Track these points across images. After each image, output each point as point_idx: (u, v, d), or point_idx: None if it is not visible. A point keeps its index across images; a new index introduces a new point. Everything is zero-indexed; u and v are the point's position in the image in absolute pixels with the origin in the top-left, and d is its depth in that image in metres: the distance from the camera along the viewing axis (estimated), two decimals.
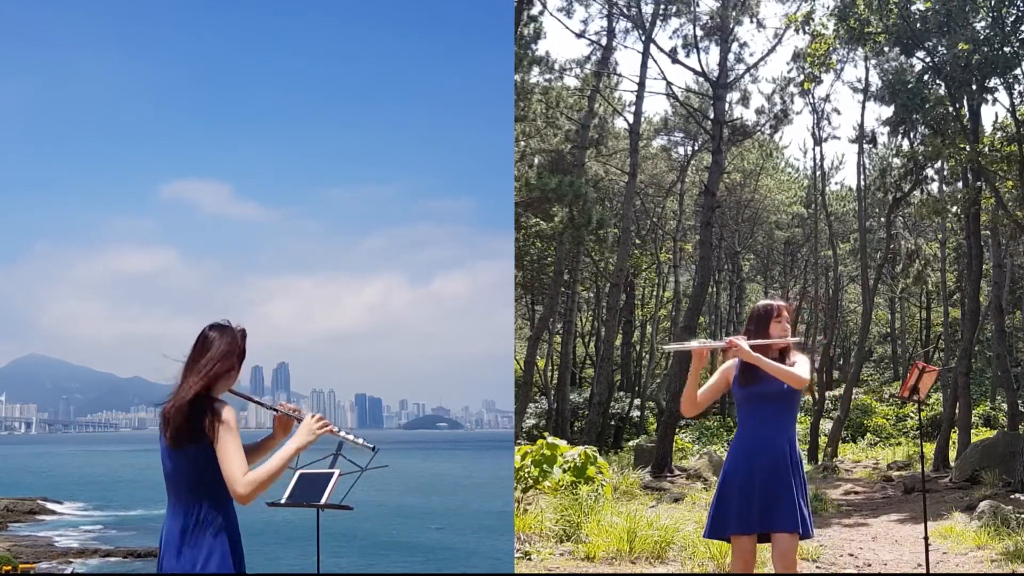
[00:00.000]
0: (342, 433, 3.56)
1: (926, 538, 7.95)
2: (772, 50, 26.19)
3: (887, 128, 25.41)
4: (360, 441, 3.63)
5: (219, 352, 3.45)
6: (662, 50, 26.08)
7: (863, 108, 38.45)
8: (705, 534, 4.79)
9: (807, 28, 21.20)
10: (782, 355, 4.71)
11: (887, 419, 33.30)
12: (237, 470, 3.26)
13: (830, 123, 73.48)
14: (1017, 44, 18.22)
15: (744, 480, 4.58)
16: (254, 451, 3.59)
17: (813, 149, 70.29)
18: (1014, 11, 18.26)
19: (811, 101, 31.81)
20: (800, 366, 4.63)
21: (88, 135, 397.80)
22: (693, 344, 4.67)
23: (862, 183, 31.80)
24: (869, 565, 9.30)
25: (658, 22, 25.22)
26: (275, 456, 3.35)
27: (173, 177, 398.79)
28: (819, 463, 24.67)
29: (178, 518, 3.38)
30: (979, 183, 20.25)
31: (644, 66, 25.21)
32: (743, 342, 4.59)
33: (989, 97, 19.37)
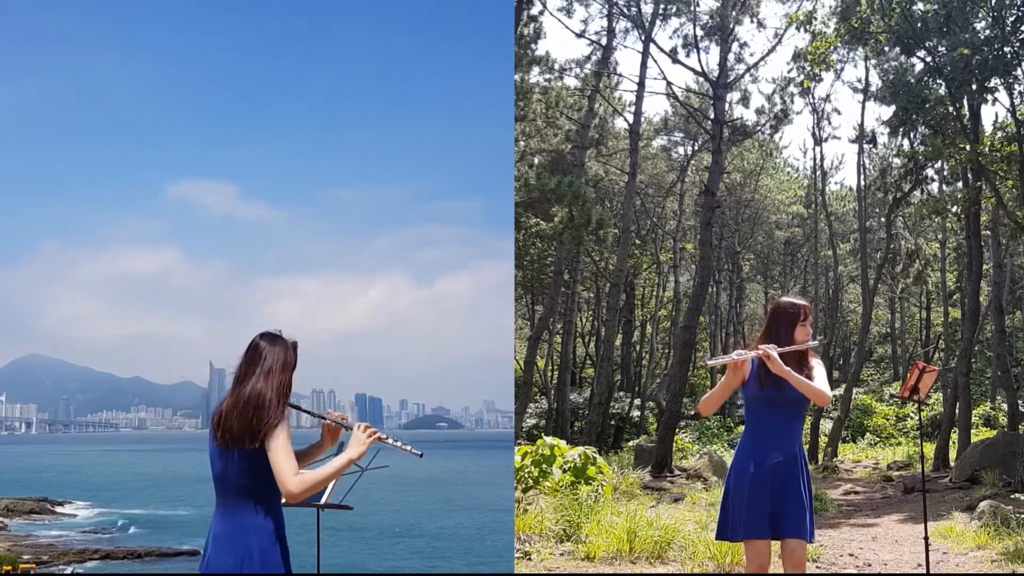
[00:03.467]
0: (390, 440, 3.64)
1: (926, 538, 7.95)
2: (772, 50, 26.22)
3: (887, 128, 25.41)
4: (408, 448, 3.68)
5: (281, 364, 3.54)
6: (662, 50, 26.14)
7: (863, 108, 38.62)
8: (716, 536, 4.77)
9: (808, 28, 21.20)
10: (800, 358, 4.67)
11: (887, 419, 33.31)
12: (289, 468, 3.37)
13: (830, 123, 73.70)
14: (1017, 45, 18.22)
15: (753, 483, 4.55)
16: (302, 457, 3.65)
17: (813, 149, 70.51)
18: (1014, 12, 18.26)
19: (811, 101, 31.88)
20: (820, 379, 4.62)
21: (94, 135, 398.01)
22: (732, 356, 4.63)
23: (862, 183, 31.83)
24: (869, 565, 9.29)
25: (658, 22, 25.22)
26: (330, 463, 3.49)
27: (179, 177, 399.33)
28: (819, 463, 24.67)
29: (227, 519, 3.45)
30: (979, 183, 20.24)
31: (644, 66, 25.22)
32: (775, 352, 4.54)
33: (989, 97, 19.36)
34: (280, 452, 3.39)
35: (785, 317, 4.69)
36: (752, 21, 24.95)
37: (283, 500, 3.50)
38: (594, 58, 26.45)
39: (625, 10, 25.63)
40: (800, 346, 4.64)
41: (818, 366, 4.67)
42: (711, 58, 48.54)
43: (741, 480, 4.59)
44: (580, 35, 25.98)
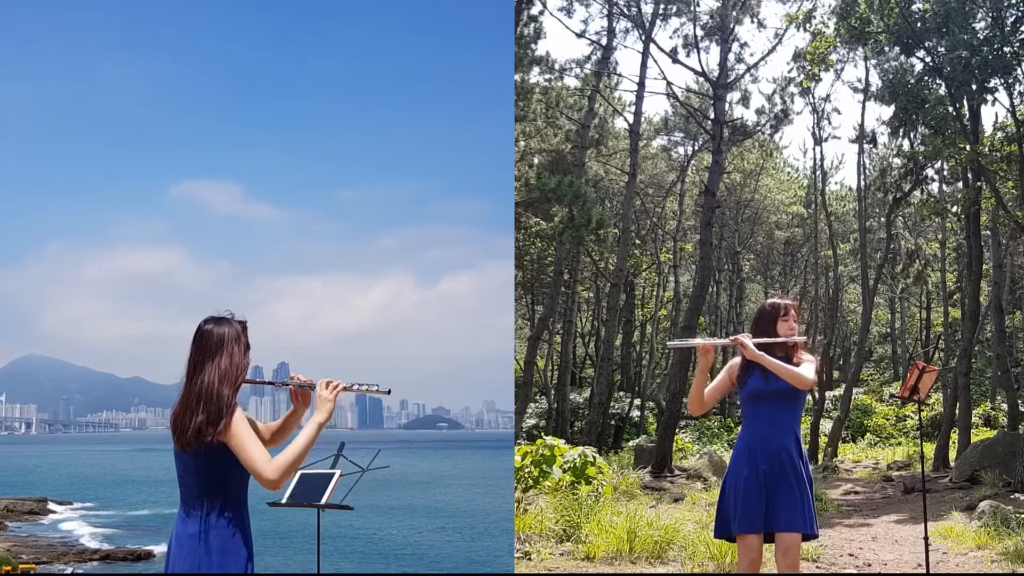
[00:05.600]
0: (355, 387, 3.45)
1: (926, 538, 7.95)
2: (772, 50, 26.15)
3: (887, 128, 25.42)
4: (375, 388, 3.49)
5: (232, 349, 3.35)
6: (662, 50, 26.11)
7: (863, 108, 38.47)
8: (715, 534, 4.79)
9: (808, 27, 21.21)
10: (788, 355, 4.68)
11: (887, 419, 33.29)
12: (260, 458, 3.20)
13: (830, 123, 73.87)
14: (1017, 44, 18.23)
15: (748, 478, 4.56)
16: (278, 431, 3.56)
17: (813, 149, 70.38)
18: (1014, 12, 18.27)
19: (811, 101, 31.78)
20: (805, 367, 4.63)
21: (99, 135, 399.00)
22: (697, 341, 4.64)
23: (862, 183, 31.79)
24: (869, 565, 9.29)
25: (658, 22, 25.20)
26: (299, 436, 3.30)
27: (184, 177, 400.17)
28: (819, 463, 24.67)
29: (189, 520, 3.32)
30: (979, 183, 20.24)
31: (644, 66, 25.20)
32: (748, 340, 4.59)
33: (989, 97, 19.37)
34: (244, 443, 3.20)
35: (765, 314, 4.74)
36: (752, 21, 24.89)
37: (271, 490, 3.30)
38: (594, 58, 26.44)
39: (625, 10, 25.62)
40: (778, 339, 4.66)
41: (807, 359, 4.70)
42: (711, 58, 48.66)
43: (735, 476, 4.61)
44: (580, 35, 25.97)
